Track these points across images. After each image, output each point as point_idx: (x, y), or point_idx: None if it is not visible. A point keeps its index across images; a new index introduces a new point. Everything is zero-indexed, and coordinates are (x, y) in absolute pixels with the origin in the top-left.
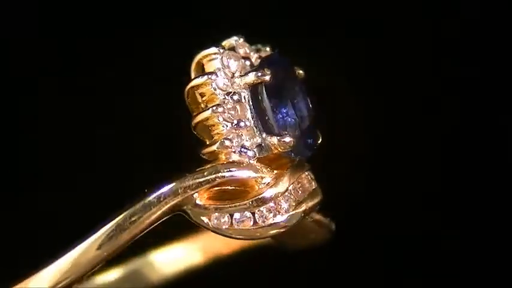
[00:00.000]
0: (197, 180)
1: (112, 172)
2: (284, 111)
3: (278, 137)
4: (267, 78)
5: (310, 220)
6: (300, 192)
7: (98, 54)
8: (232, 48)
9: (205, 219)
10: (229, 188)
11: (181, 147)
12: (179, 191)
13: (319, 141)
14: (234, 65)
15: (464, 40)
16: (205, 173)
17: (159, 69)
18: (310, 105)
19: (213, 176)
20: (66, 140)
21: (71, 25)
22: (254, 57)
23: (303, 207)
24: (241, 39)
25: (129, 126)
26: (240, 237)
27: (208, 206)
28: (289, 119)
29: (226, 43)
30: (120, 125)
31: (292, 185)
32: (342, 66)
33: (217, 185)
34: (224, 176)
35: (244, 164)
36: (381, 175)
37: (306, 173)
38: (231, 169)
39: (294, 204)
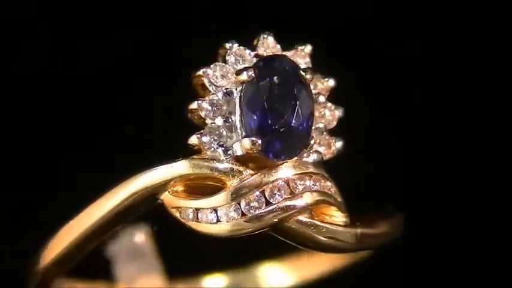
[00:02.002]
0: (164, 171)
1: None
2: (261, 113)
3: (248, 138)
4: (248, 78)
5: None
6: (276, 194)
7: (99, 53)
8: (255, 46)
9: (176, 211)
10: (209, 183)
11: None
12: (148, 179)
13: (309, 146)
14: (240, 62)
15: (464, 40)
16: (172, 166)
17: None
18: (307, 110)
19: (178, 169)
20: (67, 140)
21: (72, 25)
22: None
23: (272, 209)
24: (269, 37)
25: (132, 125)
26: (203, 232)
27: (178, 198)
28: (263, 122)
29: (255, 39)
30: (121, 124)
31: (264, 187)
32: (342, 66)
33: (189, 179)
34: (188, 170)
35: (215, 161)
36: (381, 175)
37: (295, 177)
38: (196, 164)
39: (262, 206)
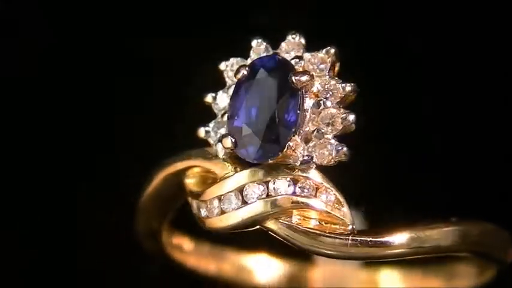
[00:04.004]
0: (179, 159)
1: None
2: (240, 112)
3: (228, 137)
4: (241, 76)
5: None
6: (252, 194)
7: (99, 53)
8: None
9: (190, 198)
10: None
11: None
12: (168, 166)
13: (288, 149)
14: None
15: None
16: (183, 155)
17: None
18: (288, 114)
19: (187, 158)
20: (67, 140)
21: (72, 25)
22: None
23: (245, 209)
24: (294, 37)
25: (133, 124)
26: (200, 225)
27: (191, 188)
28: (239, 121)
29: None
30: (122, 124)
31: (244, 186)
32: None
33: (202, 171)
34: (192, 161)
35: (210, 155)
36: (380, 176)
37: (272, 179)
38: (198, 156)
39: (238, 205)
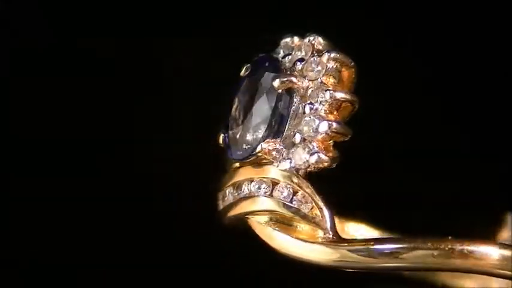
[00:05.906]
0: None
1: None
2: (231, 110)
3: (219, 134)
4: (243, 74)
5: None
6: (238, 193)
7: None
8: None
9: None
10: None
11: None
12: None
13: (256, 152)
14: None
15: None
16: None
17: None
18: (262, 117)
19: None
20: (67, 140)
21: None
22: (296, 56)
23: (228, 207)
24: (309, 39)
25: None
26: None
27: None
28: (228, 119)
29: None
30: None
31: (236, 183)
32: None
33: None
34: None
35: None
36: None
37: (255, 180)
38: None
39: (230, 201)
